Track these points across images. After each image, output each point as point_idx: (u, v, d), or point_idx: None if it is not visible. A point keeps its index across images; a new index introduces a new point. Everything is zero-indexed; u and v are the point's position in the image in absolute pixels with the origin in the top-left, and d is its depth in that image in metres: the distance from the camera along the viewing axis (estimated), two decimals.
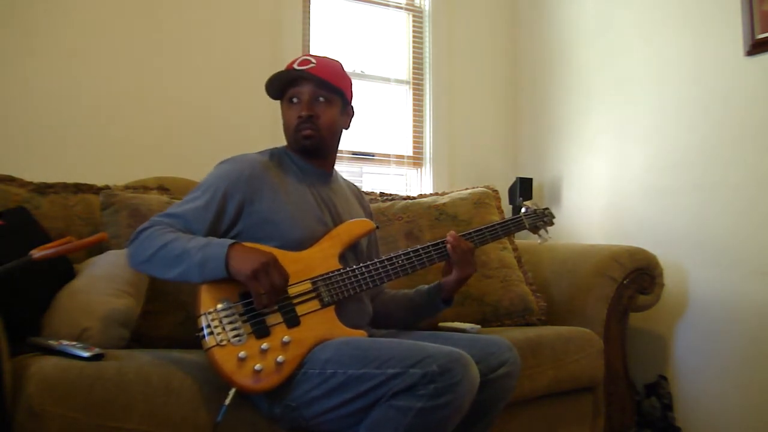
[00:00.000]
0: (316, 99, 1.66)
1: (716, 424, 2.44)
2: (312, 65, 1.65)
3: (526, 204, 1.93)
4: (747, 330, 2.37)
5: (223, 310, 1.44)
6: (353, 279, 1.58)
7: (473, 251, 1.72)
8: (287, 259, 1.51)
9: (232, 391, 1.38)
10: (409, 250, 1.67)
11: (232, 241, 1.46)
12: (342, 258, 1.62)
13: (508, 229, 1.84)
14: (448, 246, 1.69)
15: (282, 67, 1.69)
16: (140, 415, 1.39)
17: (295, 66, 1.65)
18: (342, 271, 1.58)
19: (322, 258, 1.58)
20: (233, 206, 1.57)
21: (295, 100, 1.67)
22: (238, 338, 1.42)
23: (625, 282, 2.31)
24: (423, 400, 1.30)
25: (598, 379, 2.16)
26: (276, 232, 1.57)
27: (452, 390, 1.30)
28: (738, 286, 2.40)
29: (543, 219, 1.93)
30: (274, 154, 1.71)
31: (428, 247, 1.69)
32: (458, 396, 1.31)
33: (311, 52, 1.78)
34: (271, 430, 1.49)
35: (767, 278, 2.32)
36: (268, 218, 1.58)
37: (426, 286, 1.80)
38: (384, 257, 1.65)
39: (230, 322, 1.43)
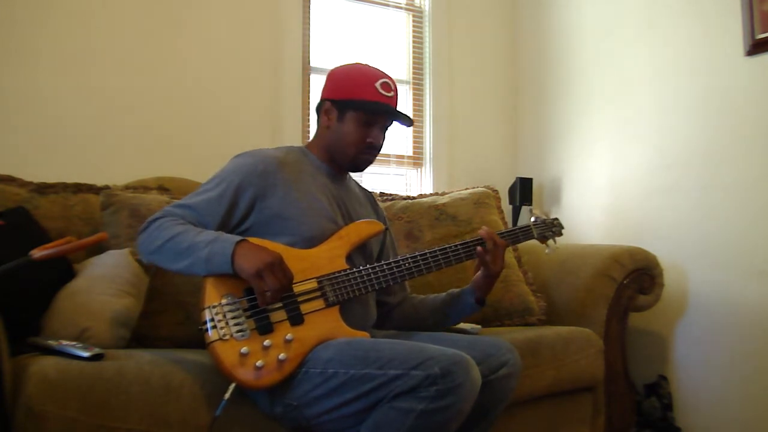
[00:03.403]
0: (384, 129, 1.71)
1: (716, 424, 2.44)
2: (392, 94, 1.68)
3: (535, 213, 1.92)
4: (747, 330, 2.37)
5: (227, 304, 1.44)
6: (359, 280, 1.58)
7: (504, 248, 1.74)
8: (294, 256, 1.52)
9: (232, 386, 1.38)
10: (417, 253, 1.67)
11: (240, 237, 1.46)
12: (349, 259, 1.62)
13: (517, 238, 1.84)
14: (484, 234, 1.70)
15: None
16: (140, 415, 1.39)
17: (379, 88, 1.65)
18: (348, 271, 1.58)
19: (329, 257, 1.58)
20: (245, 200, 1.58)
21: (367, 120, 1.66)
22: (241, 333, 1.42)
23: (625, 282, 2.31)
24: (425, 402, 1.30)
25: (598, 379, 2.16)
26: (287, 229, 1.58)
27: (454, 392, 1.30)
28: (738, 286, 2.40)
29: (552, 229, 1.92)
30: (291, 152, 1.71)
31: (435, 251, 1.70)
32: (460, 398, 1.31)
33: (378, 67, 1.75)
34: (272, 429, 1.49)
35: (767, 278, 2.32)
36: (279, 214, 1.58)
37: (457, 290, 1.81)
38: (391, 259, 1.65)
39: (234, 317, 1.43)
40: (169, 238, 1.47)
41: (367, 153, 1.69)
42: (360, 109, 1.65)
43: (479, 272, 1.74)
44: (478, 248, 1.70)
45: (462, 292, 1.79)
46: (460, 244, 1.72)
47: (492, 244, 1.70)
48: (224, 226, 1.56)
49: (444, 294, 1.83)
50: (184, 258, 1.45)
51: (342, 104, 1.67)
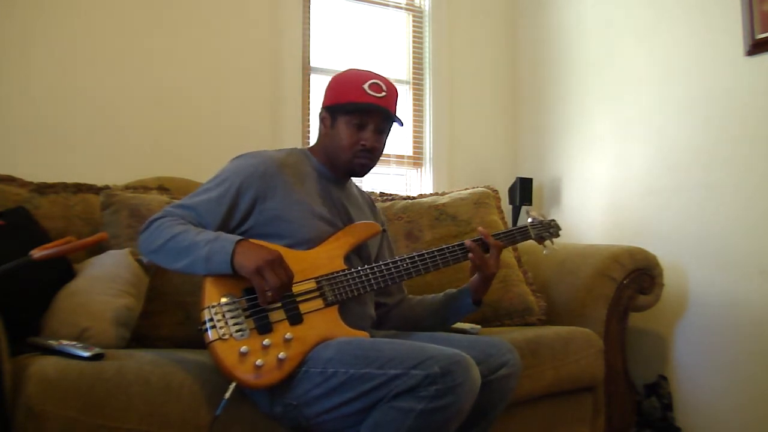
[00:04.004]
0: (380, 131, 1.68)
1: (716, 424, 2.44)
2: (383, 95, 1.65)
3: (532, 214, 1.93)
4: (747, 330, 2.37)
5: (226, 304, 1.44)
6: (357, 280, 1.59)
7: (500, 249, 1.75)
8: (293, 257, 1.52)
9: (232, 385, 1.39)
10: (414, 254, 1.68)
11: (240, 237, 1.47)
12: (347, 259, 1.62)
13: (514, 238, 1.85)
14: (482, 231, 1.72)
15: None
16: (140, 415, 1.39)
17: (367, 89, 1.64)
18: (347, 271, 1.59)
19: (327, 258, 1.59)
20: (246, 202, 1.58)
21: (358, 123, 1.65)
22: (240, 333, 1.42)
23: (625, 282, 2.31)
24: (424, 401, 1.30)
25: (598, 379, 2.16)
26: (286, 231, 1.58)
27: (454, 392, 1.30)
28: (738, 286, 2.40)
29: (549, 230, 1.94)
30: (293, 153, 1.72)
31: (433, 251, 1.70)
32: (459, 398, 1.31)
33: (374, 70, 1.73)
34: (271, 429, 1.49)
35: (767, 278, 2.32)
36: (278, 216, 1.59)
37: (454, 290, 1.82)
38: (389, 260, 1.66)
39: (233, 317, 1.43)
40: (169, 238, 1.48)
41: (361, 156, 1.67)
42: (347, 111, 1.65)
43: (475, 276, 1.75)
44: (470, 255, 1.70)
45: (459, 293, 1.80)
46: (458, 245, 1.73)
47: (499, 245, 1.72)
48: (224, 226, 1.57)
49: (441, 294, 1.83)
50: (184, 257, 1.46)
51: (333, 110, 1.68)
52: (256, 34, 2.76)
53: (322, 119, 1.72)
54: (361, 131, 1.65)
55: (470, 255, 1.71)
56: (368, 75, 1.68)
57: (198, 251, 1.44)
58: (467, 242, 1.72)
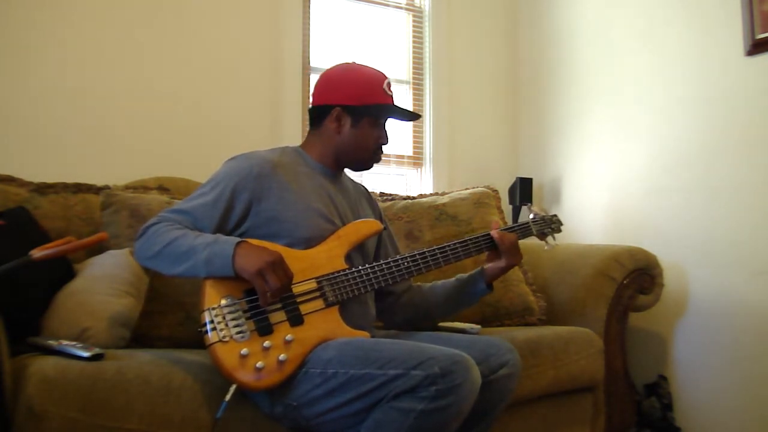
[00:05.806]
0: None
1: (716, 424, 2.44)
2: (392, 92, 1.74)
3: (534, 210, 1.92)
4: (747, 330, 2.37)
5: (227, 306, 1.44)
6: (358, 280, 1.58)
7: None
8: (293, 257, 1.51)
9: (232, 388, 1.38)
10: (416, 252, 1.68)
11: (240, 239, 1.47)
12: (348, 258, 1.62)
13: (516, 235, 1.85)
14: (495, 236, 1.74)
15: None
16: (140, 415, 1.39)
17: (386, 89, 1.70)
18: (347, 271, 1.58)
19: (327, 257, 1.58)
20: (241, 204, 1.58)
21: (382, 123, 1.72)
22: (240, 335, 1.42)
23: (625, 282, 2.31)
24: (424, 402, 1.30)
25: (598, 379, 2.16)
26: (283, 231, 1.58)
27: (454, 392, 1.31)
28: (738, 286, 2.40)
29: (551, 226, 1.93)
30: (286, 152, 1.71)
31: (434, 249, 1.70)
32: (460, 398, 1.31)
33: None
34: (272, 429, 1.49)
35: (767, 278, 2.32)
36: (275, 217, 1.58)
37: (466, 274, 1.82)
38: (390, 258, 1.66)
39: (233, 319, 1.43)
40: (167, 243, 1.47)
41: (379, 153, 1.74)
42: (376, 114, 1.68)
43: (496, 263, 1.76)
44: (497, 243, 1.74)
45: (471, 277, 1.80)
46: (459, 243, 1.73)
47: (508, 241, 1.73)
48: (220, 230, 1.56)
49: (452, 279, 1.83)
50: (184, 262, 1.45)
51: (357, 110, 1.67)
52: (256, 34, 2.76)
53: (336, 117, 1.68)
54: (380, 130, 1.72)
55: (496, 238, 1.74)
56: (380, 74, 1.72)
57: (197, 255, 1.43)
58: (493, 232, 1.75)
